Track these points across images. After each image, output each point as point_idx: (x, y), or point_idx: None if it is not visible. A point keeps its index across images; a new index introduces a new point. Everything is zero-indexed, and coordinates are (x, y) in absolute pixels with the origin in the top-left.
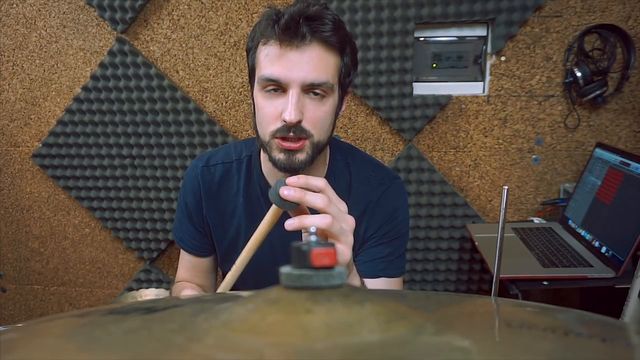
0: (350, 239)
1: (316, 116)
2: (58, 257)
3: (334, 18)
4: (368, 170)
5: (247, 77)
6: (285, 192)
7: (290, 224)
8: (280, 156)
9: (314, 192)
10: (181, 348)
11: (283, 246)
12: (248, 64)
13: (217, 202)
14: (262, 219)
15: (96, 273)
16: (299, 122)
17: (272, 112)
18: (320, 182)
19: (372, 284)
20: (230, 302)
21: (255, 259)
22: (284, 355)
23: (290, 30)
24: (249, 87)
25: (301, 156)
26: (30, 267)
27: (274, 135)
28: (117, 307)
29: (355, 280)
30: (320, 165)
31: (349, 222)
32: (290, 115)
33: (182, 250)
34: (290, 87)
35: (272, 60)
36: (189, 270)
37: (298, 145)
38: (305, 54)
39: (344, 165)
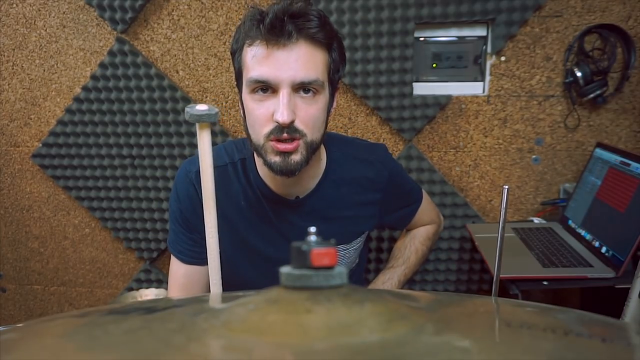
0: None
1: (308, 115)
2: (58, 257)
3: (319, 14)
4: (353, 151)
5: None
6: None
7: None
8: (275, 159)
9: None
10: (181, 348)
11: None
12: (234, 66)
13: (216, 207)
14: (265, 221)
15: (96, 273)
16: (292, 122)
17: (264, 114)
18: None
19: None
20: (230, 302)
21: (271, 254)
22: (284, 355)
23: (276, 29)
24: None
25: (296, 157)
26: (30, 267)
27: (268, 137)
28: (117, 307)
29: None
30: (316, 165)
31: None
32: (282, 116)
33: (173, 267)
34: (280, 87)
35: (259, 61)
36: (184, 287)
37: (292, 146)
38: (293, 52)
39: (340, 157)
